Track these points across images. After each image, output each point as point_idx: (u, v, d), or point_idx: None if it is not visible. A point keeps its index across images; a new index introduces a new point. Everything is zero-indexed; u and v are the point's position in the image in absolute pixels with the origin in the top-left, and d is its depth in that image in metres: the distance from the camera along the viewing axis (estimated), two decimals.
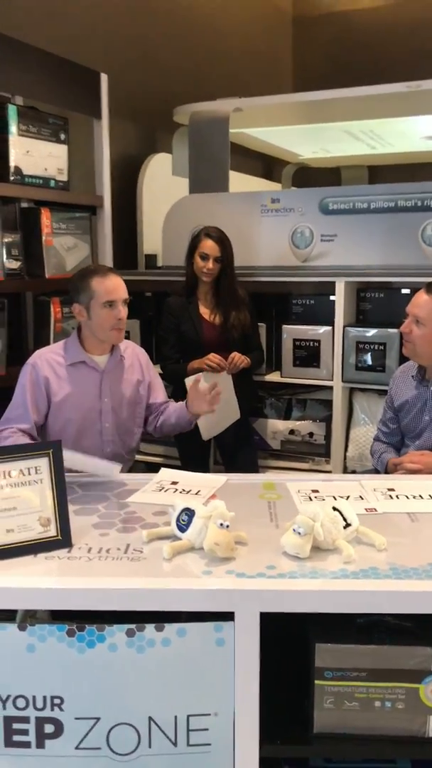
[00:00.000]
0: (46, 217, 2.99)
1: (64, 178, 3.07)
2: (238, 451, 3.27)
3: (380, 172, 5.76)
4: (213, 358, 3.05)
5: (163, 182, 4.23)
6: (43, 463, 1.59)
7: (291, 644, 1.49)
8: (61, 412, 2.31)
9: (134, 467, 2.60)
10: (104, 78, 3.23)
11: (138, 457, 2.89)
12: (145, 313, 3.67)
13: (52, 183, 3.01)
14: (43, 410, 2.31)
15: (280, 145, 5.18)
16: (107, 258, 3.35)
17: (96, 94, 3.22)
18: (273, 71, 5.88)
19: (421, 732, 1.44)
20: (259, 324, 3.37)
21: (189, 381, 3.05)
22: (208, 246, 3.07)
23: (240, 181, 4.46)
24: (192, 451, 3.14)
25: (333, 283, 3.28)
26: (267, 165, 5.79)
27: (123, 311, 2.33)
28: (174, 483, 2.04)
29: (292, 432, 3.48)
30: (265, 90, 4.42)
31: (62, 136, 3.04)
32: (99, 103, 3.23)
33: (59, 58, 2.99)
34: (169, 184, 4.21)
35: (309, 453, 3.46)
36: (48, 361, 2.33)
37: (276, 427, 3.51)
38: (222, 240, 3.09)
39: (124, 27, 4.04)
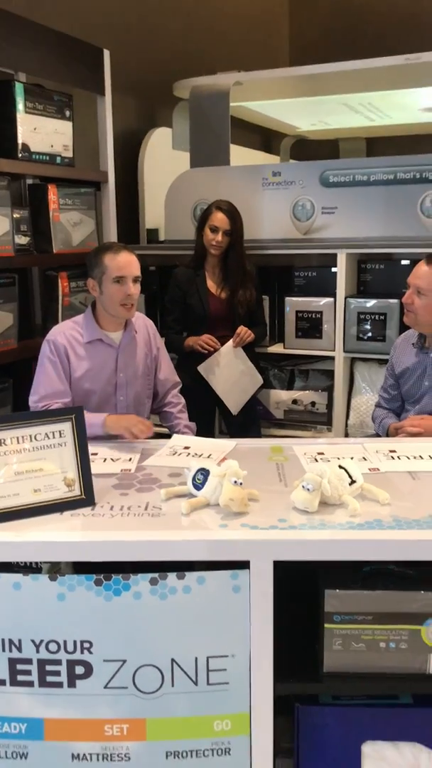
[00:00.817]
0: (53, 194, 3.06)
1: (69, 154, 3.13)
2: (242, 422, 3.37)
3: (378, 144, 5.80)
4: (208, 340, 3.13)
5: (163, 157, 4.28)
6: (66, 427, 1.69)
7: (302, 592, 1.60)
8: (80, 388, 2.39)
9: None
10: (107, 54, 3.28)
11: None
12: (149, 287, 3.74)
13: (58, 159, 3.07)
14: (68, 385, 2.40)
15: (278, 118, 5.21)
16: (112, 233, 3.42)
17: (99, 71, 3.27)
18: (270, 44, 5.88)
19: (422, 669, 1.56)
20: (263, 296, 3.46)
21: (203, 369, 3.17)
22: (219, 219, 3.14)
23: (239, 154, 4.51)
24: (198, 422, 3.23)
25: (334, 255, 3.36)
26: (265, 137, 5.82)
27: (132, 288, 2.38)
28: (186, 447, 2.15)
29: (294, 402, 3.58)
30: (262, 63, 4.46)
31: (67, 113, 3.10)
32: (102, 79, 3.28)
33: (62, 35, 3.03)
34: (170, 158, 4.26)
35: (311, 422, 3.57)
36: (67, 338, 2.40)
37: (279, 397, 3.61)
38: (232, 214, 3.16)
39: (124, 2, 4.06)
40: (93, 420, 2.22)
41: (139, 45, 4.17)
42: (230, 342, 3.17)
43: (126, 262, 2.38)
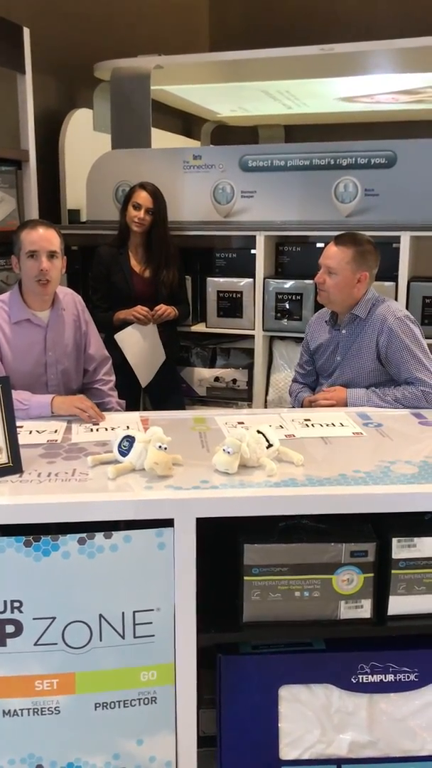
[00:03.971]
0: None
1: None
2: (166, 399, 3.45)
3: (296, 131, 5.95)
4: (140, 310, 3.23)
5: (84, 138, 4.28)
6: None
7: (223, 548, 1.71)
8: (8, 367, 2.38)
9: None
10: (27, 32, 3.26)
11: None
12: (71, 266, 3.75)
13: None
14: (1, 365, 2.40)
15: (199, 103, 5.28)
16: (33, 211, 3.42)
17: (19, 49, 3.25)
18: (191, 30, 5.93)
19: (334, 615, 1.69)
20: (185, 276, 3.53)
21: (120, 337, 3.24)
22: (142, 197, 3.22)
23: (160, 138, 4.56)
24: (125, 397, 3.30)
25: (253, 238, 3.47)
26: (186, 123, 5.88)
27: (45, 263, 2.35)
28: (94, 424, 2.18)
29: (217, 379, 3.69)
30: (183, 48, 4.51)
31: None
32: (22, 57, 3.26)
33: None
34: (91, 139, 4.27)
35: (233, 398, 3.69)
36: None
37: (202, 375, 3.72)
38: (156, 194, 3.25)
39: None
40: (41, 401, 2.25)
41: (60, 25, 4.14)
42: None
43: (39, 237, 2.36)
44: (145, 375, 3.34)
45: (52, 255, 2.39)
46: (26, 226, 2.43)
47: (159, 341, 3.33)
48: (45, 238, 2.38)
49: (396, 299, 3.17)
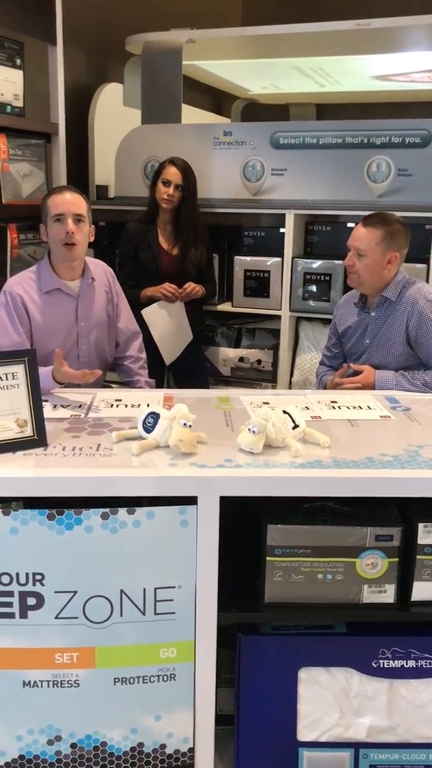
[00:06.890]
0: (2, 143, 3.01)
1: (20, 104, 3.09)
2: (190, 378, 3.44)
3: (328, 110, 5.85)
4: (168, 287, 3.20)
5: (114, 113, 4.24)
6: (19, 370, 1.71)
7: (246, 527, 1.69)
8: (40, 338, 2.38)
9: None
10: (59, 2, 3.22)
11: None
12: (99, 242, 3.73)
13: (9, 109, 3.02)
14: (28, 336, 2.39)
15: (230, 80, 5.20)
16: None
17: (50, 19, 3.21)
18: (224, 3, 5.83)
19: (357, 599, 1.67)
20: (212, 255, 3.50)
21: (146, 313, 3.22)
22: (171, 173, 3.18)
23: (191, 115, 4.50)
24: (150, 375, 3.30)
25: (283, 216, 3.43)
26: (217, 99, 5.80)
27: (71, 225, 2.34)
28: (118, 400, 2.16)
29: (241, 359, 3.67)
30: (216, 23, 4.44)
31: (18, 61, 3.04)
32: (54, 28, 3.22)
33: None
34: (121, 115, 4.23)
35: (257, 379, 3.66)
36: (24, 288, 2.38)
37: (226, 354, 3.69)
38: (186, 170, 3.21)
39: None
40: (42, 372, 2.22)
41: None
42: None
43: (65, 201, 2.36)
44: (169, 353, 3.33)
45: (78, 219, 2.38)
46: (52, 192, 2.44)
47: (186, 320, 3.31)
48: (71, 201, 2.38)
49: (428, 281, 3.11)
